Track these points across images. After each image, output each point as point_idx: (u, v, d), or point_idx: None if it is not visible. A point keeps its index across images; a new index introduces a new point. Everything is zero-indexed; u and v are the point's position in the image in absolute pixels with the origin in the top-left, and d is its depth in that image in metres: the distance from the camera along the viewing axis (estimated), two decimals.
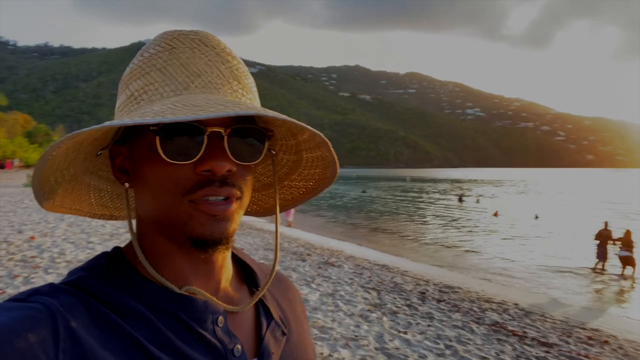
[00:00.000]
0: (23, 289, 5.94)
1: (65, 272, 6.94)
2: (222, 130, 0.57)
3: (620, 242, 14.17)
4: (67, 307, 0.52)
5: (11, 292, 5.72)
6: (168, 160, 0.56)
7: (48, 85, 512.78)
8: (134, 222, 0.67)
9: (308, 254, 11.60)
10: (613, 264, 14.52)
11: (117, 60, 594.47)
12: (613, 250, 14.47)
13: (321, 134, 0.63)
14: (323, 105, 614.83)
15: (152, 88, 0.60)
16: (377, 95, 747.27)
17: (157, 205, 0.59)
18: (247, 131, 0.60)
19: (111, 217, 0.79)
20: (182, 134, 0.56)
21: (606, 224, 14.78)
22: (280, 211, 0.79)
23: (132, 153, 0.62)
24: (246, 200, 0.62)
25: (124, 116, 0.60)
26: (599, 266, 14.45)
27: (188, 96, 0.57)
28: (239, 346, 0.61)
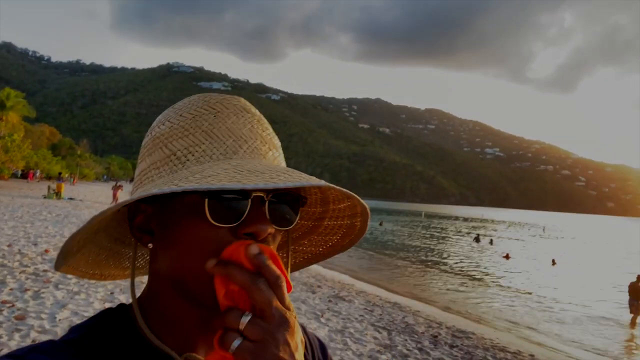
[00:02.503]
0: (32, 303, 5.91)
1: (75, 289, 6.91)
2: (264, 196, 0.58)
3: None
4: None
5: (20, 305, 5.69)
6: (213, 222, 0.55)
7: (76, 101, 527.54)
8: (139, 279, 0.66)
9: (318, 286, 11.41)
10: None
11: (145, 80, 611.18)
12: None
13: (367, 205, 0.64)
14: (342, 135, 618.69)
15: (198, 150, 0.60)
16: (397, 129, 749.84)
17: (187, 268, 0.58)
18: (285, 197, 0.61)
19: (101, 277, 0.76)
20: (228, 198, 0.56)
21: (639, 277, 14.12)
22: None
23: (162, 213, 0.61)
24: None
25: (164, 175, 0.60)
26: (632, 320, 13.85)
27: (242, 161, 0.58)
28: None
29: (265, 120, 0.67)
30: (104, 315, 0.62)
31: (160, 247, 0.61)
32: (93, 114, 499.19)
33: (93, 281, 7.48)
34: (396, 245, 35.13)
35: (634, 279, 14.09)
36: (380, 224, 56.35)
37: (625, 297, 14.59)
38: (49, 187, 30.50)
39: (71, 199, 28.81)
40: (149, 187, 0.56)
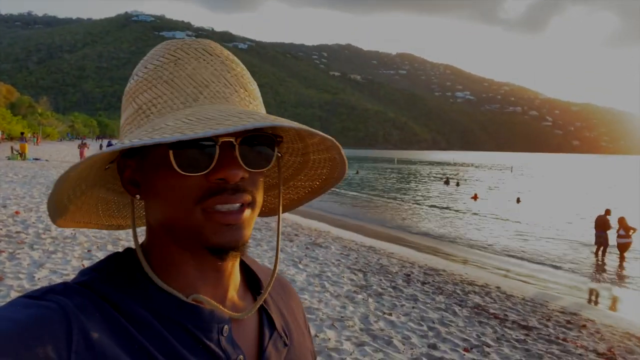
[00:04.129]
0: (8, 264, 5.90)
1: (51, 248, 6.90)
2: (233, 140, 0.58)
3: (622, 229, 14.20)
4: (81, 308, 0.53)
5: None
6: (182, 172, 0.57)
7: (31, 56, 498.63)
8: (140, 230, 0.69)
9: (295, 235, 11.67)
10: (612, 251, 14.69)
11: (103, 31, 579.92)
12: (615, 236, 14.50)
13: (332, 138, 0.64)
14: (313, 84, 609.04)
15: (160, 101, 0.60)
16: (368, 76, 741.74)
17: (170, 215, 0.60)
18: (257, 139, 0.61)
19: (118, 227, 0.79)
20: (194, 146, 0.57)
21: (607, 211, 14.68)
22: (286, 211, 0.81)
23: (142, 165, 0.63)
24: (258, 204, 0.64)
25: (134, 130, 0.61)
26: (599, 252, 14.59)
27: (200, 108, 0.58)
28: (241, 357, 0.62)
29: (234, 60, 0.66)
30: (113, 259, 0.64)
31: (146, 198, 0.64)
32: (51, 69, 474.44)
33: (69, 240, 7.49)
34: (371, 192, 35.84)
35: (602, 213, 14.84)
36: (357, 173, 57.43)
37: (587, 230, 15.44)
38: (12, 148, 29.47)
39: (36, 159, 27.95)
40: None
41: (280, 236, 0.71)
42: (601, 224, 14.54)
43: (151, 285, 0.61)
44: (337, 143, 0.66)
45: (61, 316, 0.51)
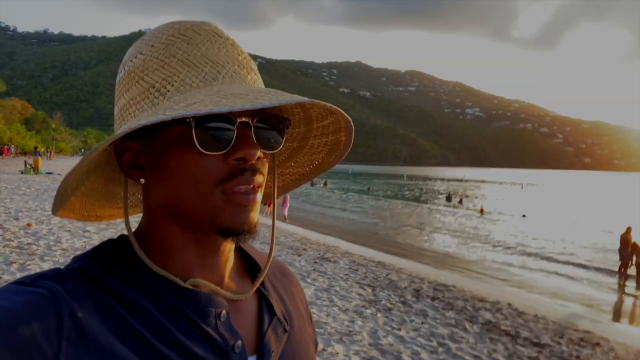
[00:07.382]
0: (19, 275, 5.94)
1: (61, 260, 6.94)
2: (249, 120, 0.59)
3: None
4: (73, 294, 0.52)
5: (8, 278, 5.73)
6: (203, 151, 0.56)
7: (47, 73, 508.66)
8: (133, 217, 0.67)
9: (304, 249, 11.63)
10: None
11: (117, 49, 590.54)
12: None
13: (350, 118, 0.65)
14: (322, 100, 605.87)
15: (177, 79, 0.59)
16: (377, 92, 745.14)
17: (183, 198, 0.59)
18: (270, 121, 0.62)
19: (97, 218, 0.76)
20: (214, 125, 0.56)
21: (629, 229, 14.57)
22: (268, 199, 0.80)
23: (150, 146, 0.61)
24: (263, 189, 0.63)
25: (147, 109, 0.59)
26: (622, 269, 14.43)
27: (223, 86, 0.58)
28: (239, 342, 0.61)
29: (239, 45, 0.66)
30: (107, 245, 0.63)
31: (152, 181, 0.62)
32: (65, 85, 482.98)
33: (79, 251, 7.53)
34: (380, 206, 35.74)
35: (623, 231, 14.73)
36: (369, 189, 57.76)
37: (597, 245, 15.21)
38: (25, 162, 29.88)
39: (49, 173, 28.30)
40: (133, 123, 0.54)
41: (275, 221, 0.71)
42: (624, 242, 14.39)
43: (146, 270, 0.60)
44: (351, 124, 0.66)
45: (52, 302, 0.50)
